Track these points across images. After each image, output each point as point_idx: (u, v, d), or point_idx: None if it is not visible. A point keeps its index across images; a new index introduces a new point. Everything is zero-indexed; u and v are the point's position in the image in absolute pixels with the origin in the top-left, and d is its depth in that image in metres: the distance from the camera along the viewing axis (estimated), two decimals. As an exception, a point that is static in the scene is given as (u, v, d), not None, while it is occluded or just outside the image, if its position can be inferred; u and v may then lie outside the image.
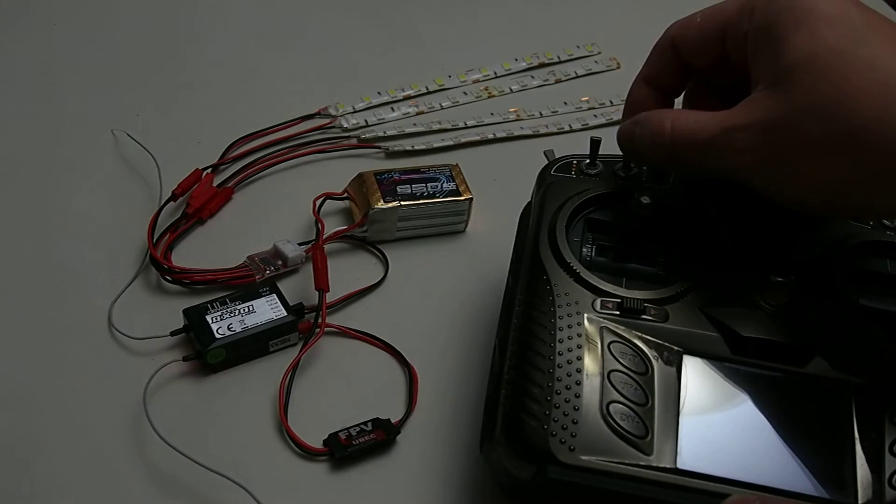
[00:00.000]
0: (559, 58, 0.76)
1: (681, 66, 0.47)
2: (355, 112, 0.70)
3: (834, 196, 0.42)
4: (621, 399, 0.42)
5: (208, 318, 0.53)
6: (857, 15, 0.41)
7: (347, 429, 0.50)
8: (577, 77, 0.75)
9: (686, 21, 0.46)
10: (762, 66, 0.42)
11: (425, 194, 0.60)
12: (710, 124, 0.42)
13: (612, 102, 0.72)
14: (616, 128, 0.48)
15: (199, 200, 0.60)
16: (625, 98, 0.50)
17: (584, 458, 0.40)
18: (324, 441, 0.50)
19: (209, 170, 0.63)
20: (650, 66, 0.48)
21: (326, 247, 0.58)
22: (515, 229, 0.52)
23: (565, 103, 0.72)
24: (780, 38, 0.41)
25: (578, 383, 0.42)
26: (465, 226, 0.62)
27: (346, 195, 0.62)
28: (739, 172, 0.43)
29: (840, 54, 0.39)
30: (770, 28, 0.41)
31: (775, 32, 0.41)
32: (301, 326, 0.54)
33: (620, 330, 0.44)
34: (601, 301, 0.45)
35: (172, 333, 0.53)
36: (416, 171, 0.61)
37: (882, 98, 0.39)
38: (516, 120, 0.71)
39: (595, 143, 0.51)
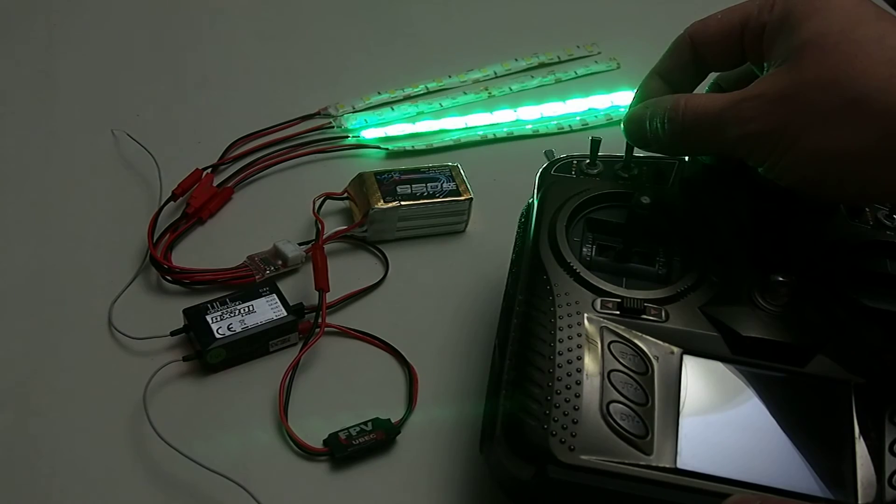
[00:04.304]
0: (559, 58, 0.76)
1: (695, 64, 0.48)
2: (355, 112, 0.70)
3: (833, 170, 0.42)
4: (621, 399, 0.42)
5: (208, 318, 0.53)
6: (871, 5, 0.42)
7: (347, 429, 0.50)
8: (577, 77, 0.75)
9: (706, 18, 0.48)
10: (776, 51, 0.43)
11: (425, 194, 0.60)
12: (720, 99, 0.44)
13: (612, 102, 0.72)
14: (616, 128, 0.48)
15: (199, 200, 0.60)
16: (625, 98, 0.50)
17: (584, 457, 0.40)
18: (324, 441, 0.50)
19: (209, 170, 0.63)
20: (666, 60, 0.49)
21: (326, 247, 0.58)
22: (515, 229, 0.52)
23: (565, 103, 0.72)
24: (795, 25, 0.43)
25: (578, 383, 0.42)
26: (465, 226, 0.62)
27: (346, 195, 0.62)
28: (743, 143, 0.44)
29: (850, 33, 0.41)
30: (787, 17, 0.43)
31: (791, 20, 0.43)
32: (301, 326, 0.54)
33: (620, 330, 0.44)
34: (601, 301, 0.45)
35: (172, 333, 0.53)
36: (416, 171, 0.61)
37: (888, 70, 0.40)
38: (516, 120, 0.71)
39: (595, 143, 0.51)
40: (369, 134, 0.68)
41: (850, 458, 0.41)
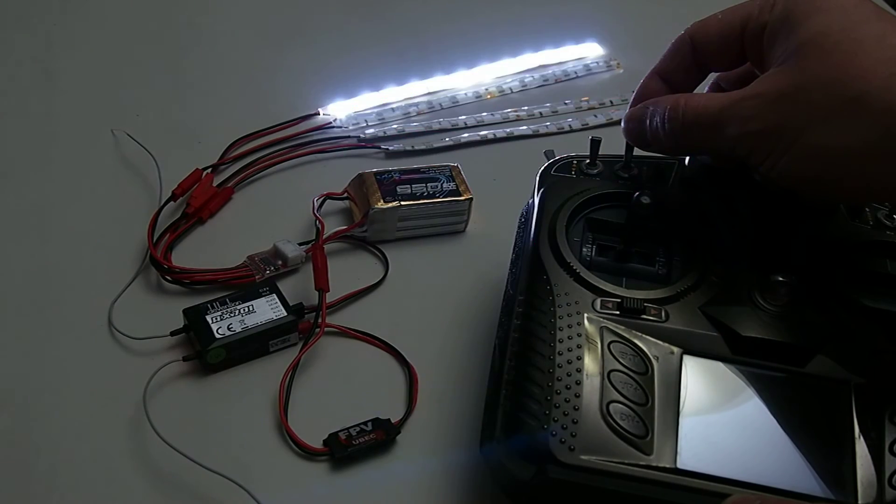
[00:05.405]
0: (559, 58, 0.76)
1: (696, 64, 0.48)
2: (355, 112, 0.70)
3: (833, 169, 0.42)
4: (621, 399, 0.42)
5: (208, 318, 0.53)
6: (871, 5, 0.43)
7: (347, 429, 0.50)
8: (577, 77, 0.75)
9: (707, 19, 0.48)
10: (777, 51, 0.43)
11: (425, 194, 0.60)
12: (720, 99, 0.44)
13: (612, 102, 0.72)
14: (617, 127, 0.48)
15: (199, 200, 0.61)
16: (625, 98, 0.50)
17: (584, 457, 0.40)
18: (324, 441, 0.50)
19: (209, 170, 0.63)
20: (666, 60, 0.49)
21: (326, 247, 0.58)
22: (515, 229, 0.52)
23: (565, 103, 0.72)
24: (795, 24, 0.43)
25: (578, 383, 0.42)
26: (465, 226, 0.62)
27: (346, 195, 0.62)
28: (742, 142, 0.44)
29: (850, 32, 0.41)
30: (788, 17, 0.43)
31: (792, 20, 0.43)
32: (301, 326, 0.54)
33: (620, 330, 0.44)
34: (601, 301, 0.45)
35: (172, 333, 0.53)
36: (416, 171, 0.61)
37: (889, 68, 0.40)
38: (516, 120, 0.71)
39: (595, 143, 0.51)
40: (369, 134, 0.68)
41: (850, 458, 0.41)
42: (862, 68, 0.40)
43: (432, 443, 0.51)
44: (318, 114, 0.69)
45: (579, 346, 0.43)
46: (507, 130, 0.70)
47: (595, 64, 0.76)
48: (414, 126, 0.69)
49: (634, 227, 0.47)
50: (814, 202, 0.47)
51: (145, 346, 0.54)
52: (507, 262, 0.52)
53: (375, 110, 0.70)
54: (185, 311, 0.53)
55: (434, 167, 0.62)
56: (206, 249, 0.60)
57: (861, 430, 0.41)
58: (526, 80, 0.74)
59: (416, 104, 0.71)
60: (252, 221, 0.62)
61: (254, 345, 0.53)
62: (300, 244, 0.59)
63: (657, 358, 0.43)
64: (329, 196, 0.61)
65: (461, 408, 0.52)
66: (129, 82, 0.71)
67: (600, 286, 0.45)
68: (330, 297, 0.55)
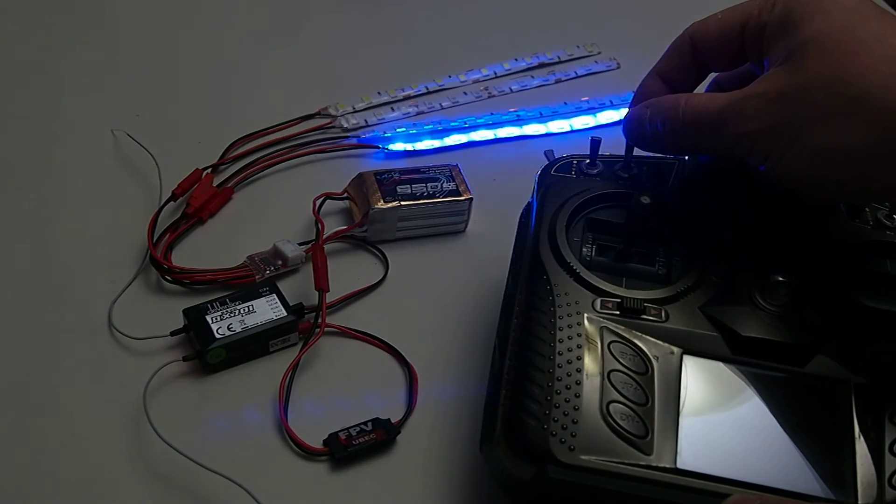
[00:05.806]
0: (559, 58, 0.76)
1: (695, 64, 0.48)
2: (355, 112, 0.70)
3: (833, 168, 0.42)
4: (621, 399, 0.42)
5: (208, 318, 0.53)
6: (871, 4, 0.43)
7: (347, 429, 0.50)
8: (577, 77, 0.75)
9: (707, 18, 0.48)
10: (777, 51, 0.43)
11: (425, 194, 0.60)
12: (720, 99, 0.44)
13: (612, 102, 0.72)
14: (617, 127, 0.48)
15: (199, 200, 0.60)
16: (625, 98, 0.50)
17: (584, 458, 0.40)
18: (324, 441, 0.50)
19: (209, 170, 0.63)
20: (665, 60, 0.49)
21: (326, 247, 0.58)
22: (515, 229, 0.52)
23: (565, 103, 0.72)
24: (795, 24, 0.43)
25: (578, 383, 0.42)
26: (465, 226, 0.62)
27: (346, 195, 0.62)
28: (742, 142, 0.44)
29: (851, 31, 0.41)
30: (788, 16, 0.43)
31: (792, 19, 0.43)
32: (301, 326, 0.54)
33: (620, 330, 0.44)
34: (601, 301, 0.45)
35: (172, 333, 0.53)
36: (416, 171, 0.61)
37: (889, 67, 0.40)
38: (516, 120, 0.71)
39: (595, 143, 0.51)
40: (369, 134, 0.68)
41: (850, 458, 0.41)
42: (863, 67, 0.40)
43: (432, 443, 0.51)
44: (318, 114, 0.69)
45: (579, 346, 0.43)
46: (507, 130, 0.70)
47: (595, 64, 0.76)
48: (414, 126, 0.69)
49: (634, 227, 0.47)
50: (814, 202, 0.47)
51: (145, 346, 0.54)
52: (507, 262, 0.52)
53: (375, 110, 0.70)
54: (185, 311, 0.53)
55: (434, 167, 0.62)
56: (206, 249, 0.60)
57: (861, 430, 0.41)
58: (526, 80, 0.74)
59: (417, 104, 0.71)
60: (252, 221, 0.62)
61: (254, 345, 0.53)
62: (300, 244, 0.59)
63: (657, 358, 0.43)
64: (329, 196, 0.61)
65: (461, 408, 0.52)
66: (129, 82, 0.71)
67: (600, 286, 0.45)
68: (330, 297, 0.55)
